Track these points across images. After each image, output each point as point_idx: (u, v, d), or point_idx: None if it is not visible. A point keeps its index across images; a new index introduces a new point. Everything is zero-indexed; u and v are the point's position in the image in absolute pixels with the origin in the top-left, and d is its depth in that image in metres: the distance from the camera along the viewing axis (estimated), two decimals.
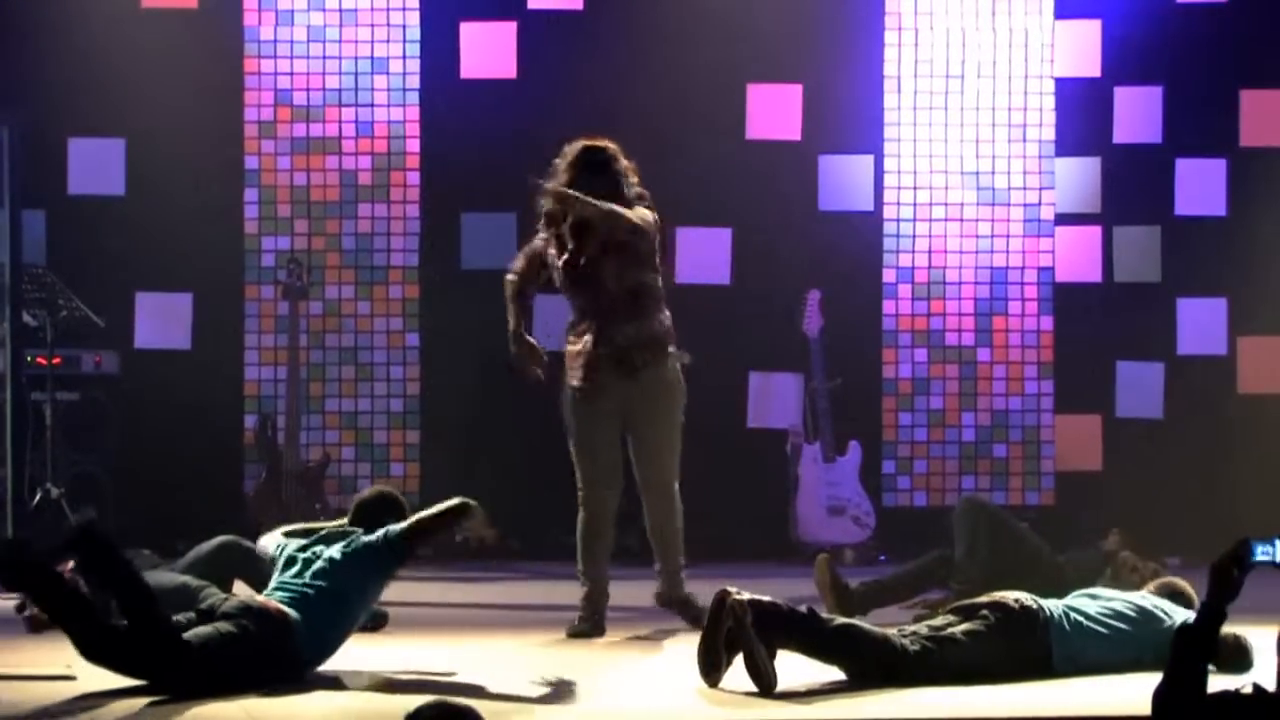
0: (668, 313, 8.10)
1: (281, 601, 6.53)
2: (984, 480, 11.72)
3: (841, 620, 6.71)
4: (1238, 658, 6.71)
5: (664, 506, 8.02)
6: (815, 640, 6.45)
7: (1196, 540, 10.49)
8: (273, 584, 6.70)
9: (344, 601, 6.64)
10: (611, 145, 8.04)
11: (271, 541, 6.96)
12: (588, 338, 7.96)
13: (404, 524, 6.83)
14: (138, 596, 6.20)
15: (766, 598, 6.42)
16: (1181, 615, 6.91)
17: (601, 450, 7.97)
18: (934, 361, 11.77)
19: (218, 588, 7.66)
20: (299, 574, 6.69)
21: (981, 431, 11.79)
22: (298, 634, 6.46)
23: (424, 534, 6.86)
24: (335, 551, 6.72)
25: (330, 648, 6.60)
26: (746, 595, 6.36)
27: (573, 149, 8.05)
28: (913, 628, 6.73)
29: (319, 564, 6.69)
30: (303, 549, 6.79)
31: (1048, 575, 8.09)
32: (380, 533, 6.78)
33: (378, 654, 7.16)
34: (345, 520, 7.01)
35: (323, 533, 6.91)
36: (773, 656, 6.31)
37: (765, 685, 6.28)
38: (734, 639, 6.35)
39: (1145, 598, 7.06)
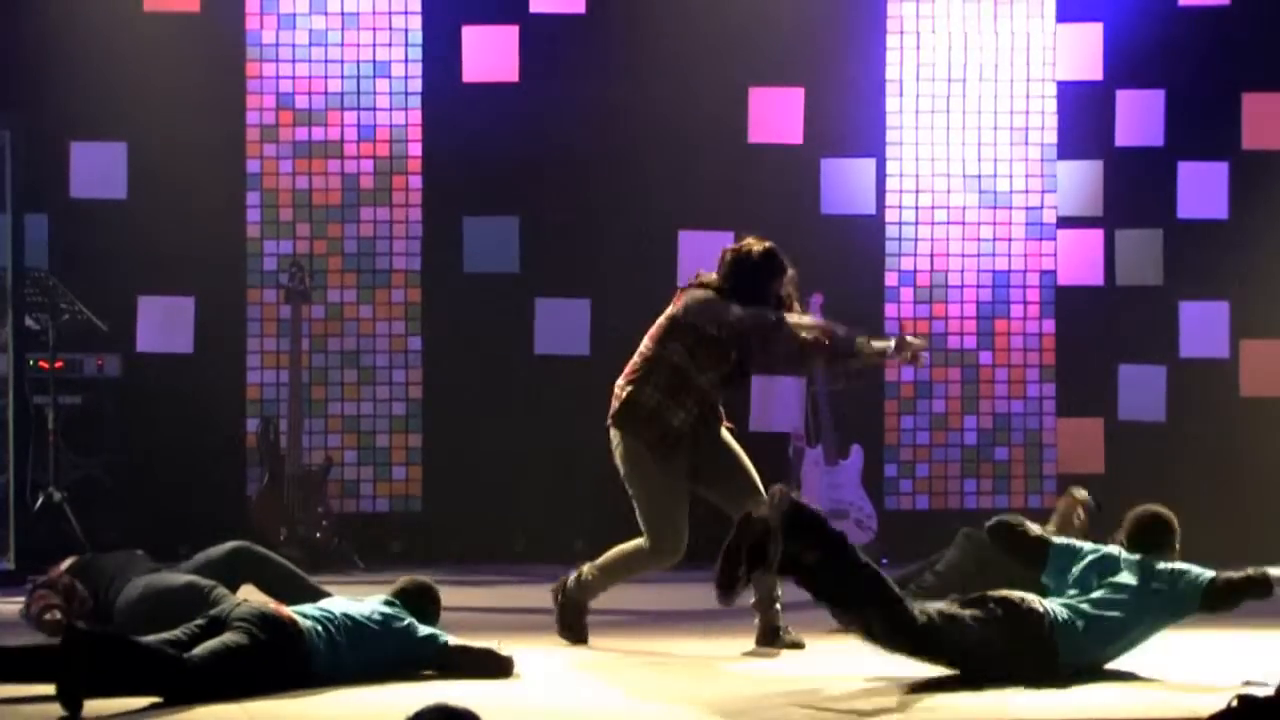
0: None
1: (307, 616, 6.55)
2: (986, 483, 11.72)
3: (870, 564, 6.59)
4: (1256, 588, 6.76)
5: None
6: (837, 565, 6.36)
7: (1198, 543, 10.47)
8: (309, 608, 6.75)
9: (369, 635, 6.66)
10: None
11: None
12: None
13: (452, 641, 6.86)
14: (154, 670, 6.20)
15: (813, 506, 6.38)
16: (1186, 571, 6.87)
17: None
18: (936, 365, 11.76)
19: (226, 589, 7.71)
20: (335, 604, 6.79)
21: (983, 435, 11.79)
22: (311, 644, 6.47)
23: (458, 660, 6.84)
24: (383, 606, 6.80)
25: (345, 667, 6.58)
26: (794, 494, 6.32)
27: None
28: (927, 604, 6.72)
29: (361, 606, 6.77)
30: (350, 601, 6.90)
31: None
32: (429, 631, 6.84)
33: None
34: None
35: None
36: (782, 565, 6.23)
37: (727, 587, 6.22)
38: (759, 548, 6.23)
39: (1128, 561, 6.97)
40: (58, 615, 7.74)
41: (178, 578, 7.88)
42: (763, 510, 6.26)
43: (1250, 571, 6.82)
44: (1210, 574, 6.84)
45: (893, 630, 6.43)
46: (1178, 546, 7.01)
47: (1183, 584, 6.82)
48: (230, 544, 8.27)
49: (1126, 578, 6.92)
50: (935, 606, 6.70)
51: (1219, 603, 6.82)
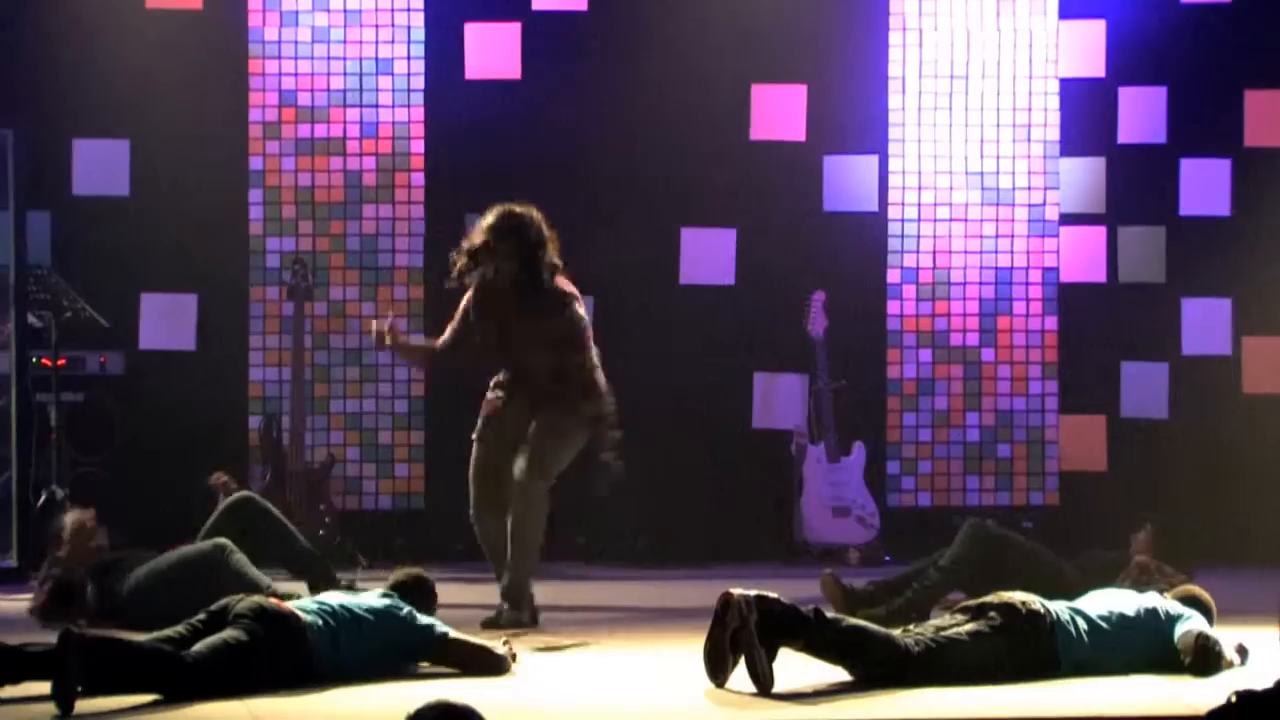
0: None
1: (307, 610, 6.56)
2: (988, 480, 11.72)
3: (847, 621, 6.69)
4: (1205, 661, 6.72)
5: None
6: (819, 640, 6.45)
7: (1201, 541, 10.47)
8: (307, 602, 6.75)
9: (368, 627, 6.66)
10: (526, 213, 8.42)
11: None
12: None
13: (451, 633, 6.86)
14: (152, 669, 6.21)
15: (773, 594, 6.41)
16: (1189, 618, 6.88)
17: None
18: (938, 362, 11.76)
19: (237, 544, 7.98)
20: (333, 598, 6.81)
21: (986, 432, 11.78)
22: (313, 639, 6.47)
23: (456, 652, 6.85)
24: (381, 598, 6.81)
25: (346, 660, 6.57)
26: (753, 592, 6.36)
27: (492, 211, 8.44)
28: (918, 628, 6.72)
29: (359, 599, 6.79)
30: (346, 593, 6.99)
31: (1050, 586, 7.93)
32: (428, 621, 6.84)
33: None
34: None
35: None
36: (773, 658, 6.31)
37: (763, 686, 6.28)
38: (738, 639, 6.35)
39: (1151, 598, 7.04)
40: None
41: (190, 547, 8.06)
42: (737, 592, 6.35)
43: (1216, 648, 6.79)
44: (1195, 629, 6.83)
45: (896, 670, 6.45)
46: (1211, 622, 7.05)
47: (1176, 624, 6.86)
48: (232, 497, 8.58)
49: (1142, 600, 6.94)
50: (930, 627, 6.69)
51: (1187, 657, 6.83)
